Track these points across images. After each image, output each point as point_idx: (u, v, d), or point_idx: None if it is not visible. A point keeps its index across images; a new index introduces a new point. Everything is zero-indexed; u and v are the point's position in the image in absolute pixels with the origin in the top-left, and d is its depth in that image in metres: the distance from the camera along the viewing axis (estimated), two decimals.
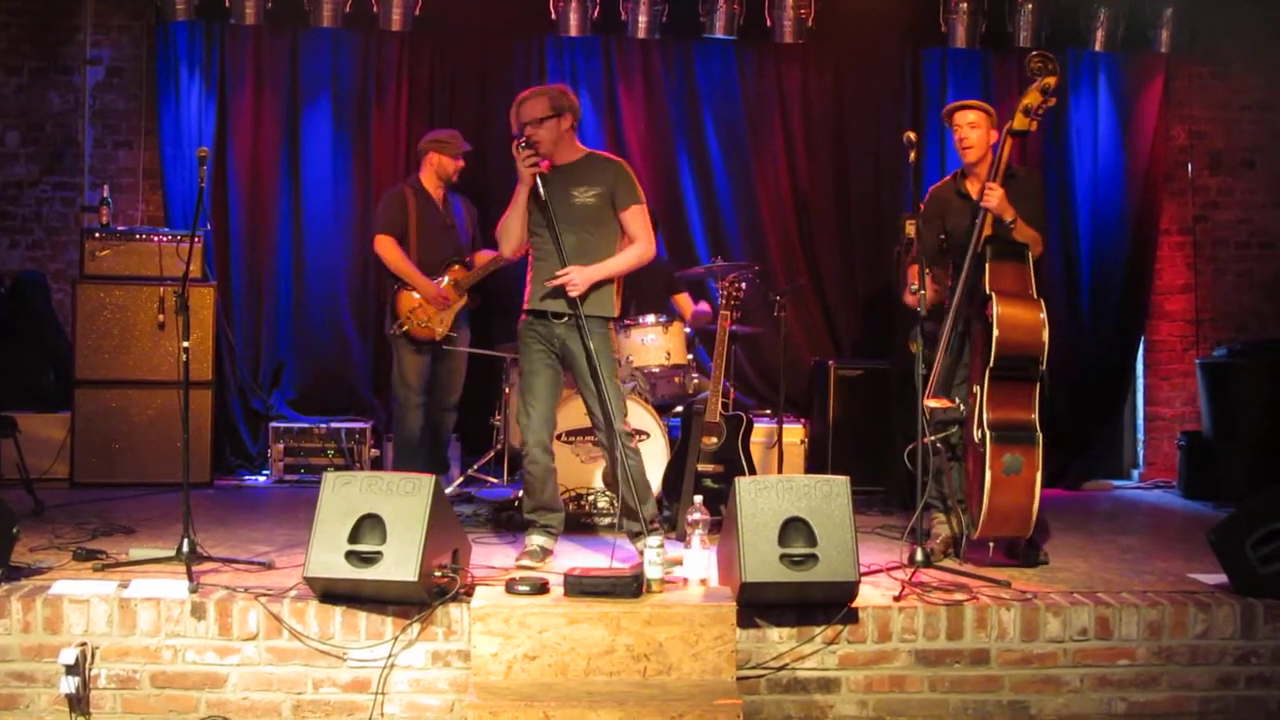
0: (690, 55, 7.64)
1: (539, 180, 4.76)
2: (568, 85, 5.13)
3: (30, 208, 7.55)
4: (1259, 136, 7.89)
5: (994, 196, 4.89)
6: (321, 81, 7.53)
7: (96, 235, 6.92)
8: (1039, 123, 4.96)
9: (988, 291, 4.83)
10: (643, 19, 7.34)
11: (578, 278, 4.75)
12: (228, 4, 7.23)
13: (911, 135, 4.93)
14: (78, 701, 4.02)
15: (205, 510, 5.93)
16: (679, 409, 6.22)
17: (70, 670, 3.97)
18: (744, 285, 5.99)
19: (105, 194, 7.16)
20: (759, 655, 4.16)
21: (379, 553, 3.99)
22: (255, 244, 7.52)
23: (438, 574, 4.10)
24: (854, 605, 4.18)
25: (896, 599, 4.28)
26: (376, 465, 7.04)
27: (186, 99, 7.44)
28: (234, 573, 4.53)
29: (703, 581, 4.31)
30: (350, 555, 4.01)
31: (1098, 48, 7.55)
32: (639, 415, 5.84)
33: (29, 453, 6.16)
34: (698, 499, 4.50)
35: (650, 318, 6.24)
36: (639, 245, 4.92)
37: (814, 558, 4.06)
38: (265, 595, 4.17)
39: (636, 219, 4.91)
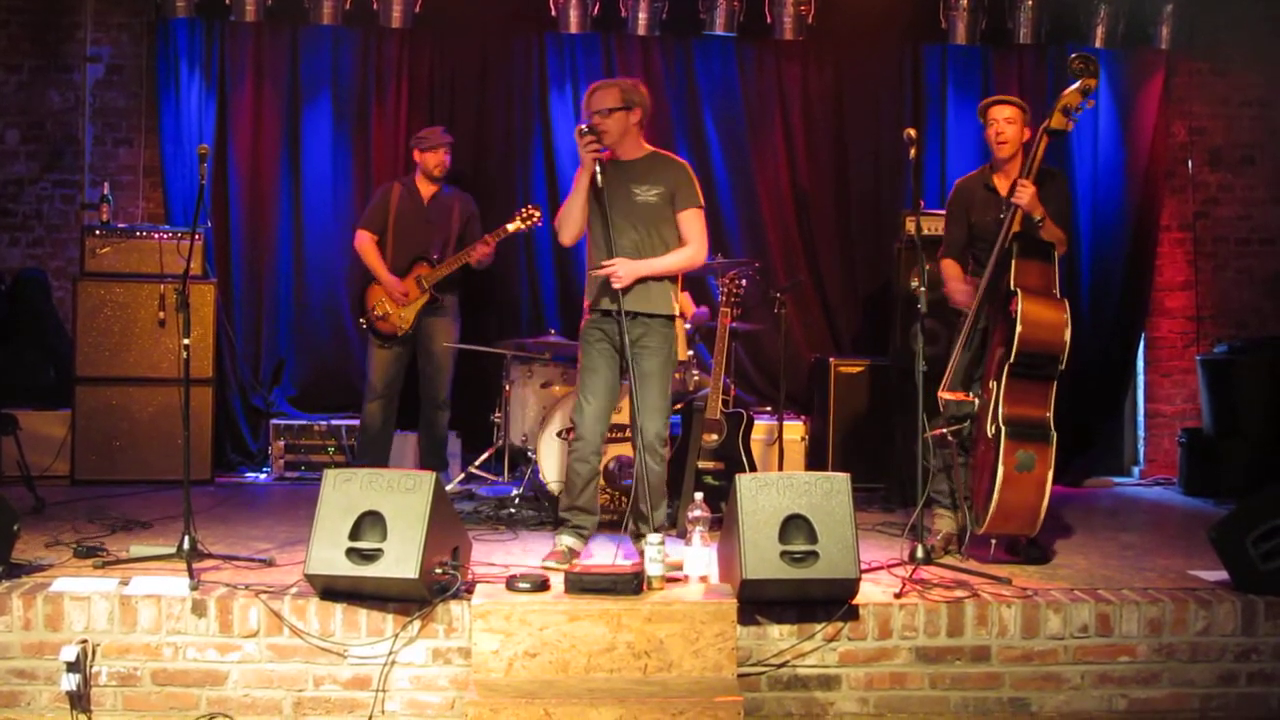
0: (690, 52, 7.63)
1: (598, 169, 4.72)
2: (640, 80, 5.04)
3: (31, 205, 7.56)
4: (1259, 133, 7.89)
5: (1025, 194, 4.87)
6: (322, 79, 7.53)
7: (97, 233, 6.92)
8: (1074, 124, 4.96)
9: (1013, 287, 4.83)
10: (643, 16, 7.34)
11: (622, 270, 4.71)
12: (228, 1, 7.23)
13: (911, 132, 4.94)
14: (78, 699, 4.02)
15: (206, 507, 5.93)
16: (679, 406, 6.22)
17: (71, 667, 3.97)
18: (744, 282, 5.99)
19: (106, 191, 7.16)
20: (760, 652, 4.16)
21: (380, 550, 4.00)
22: (255, 241, 7.52)
23: (438, 571, 4.10)
24: (854, 602, 4.19)
25: (897, 596, 4.28)
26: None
27: (186, 96, 7.44)
28: (235, 570, 4.54)
29: (703, 579, 4.31)
30: (351, 552, 4.01)
31: (1098, 44, 7.53)
32: None
33: (30, 450, 6.16)
34: (698, 496, 4.50)
35: None
36: (691, 248, 4.86)
37: (814, 555, 4.06)
38: (266, 592, 4.17)
39: (693, 222, 4.87)
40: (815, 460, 6.82)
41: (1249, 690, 4.27)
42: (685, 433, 5.84)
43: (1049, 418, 4.84)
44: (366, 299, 6.44)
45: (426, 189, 6.49)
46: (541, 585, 4.18)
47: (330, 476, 4.17)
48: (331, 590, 4.12)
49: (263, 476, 7.27)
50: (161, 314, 6.82)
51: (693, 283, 7.12)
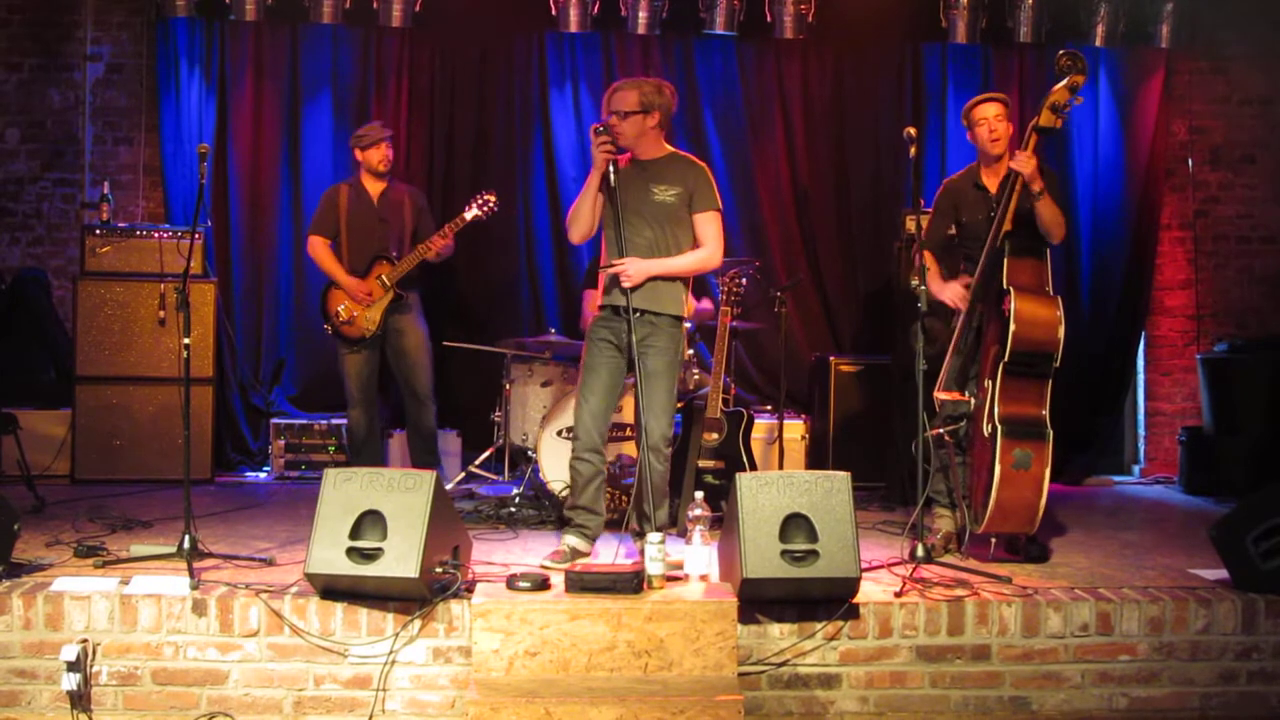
0: (690, 51, 7.63)
1: (611, 168, 4.71)
2: (666, 81, 5.00)
3: (31, 204, 7.56)
4: (1259, 131, 7.88)
5: (1029, 164, 4.83)
6: (321, 78, 7.53)
7: (97, 232, 6.93)
8: (1062, 121, 4.95)
9: (1006, 286, 4.82)
10: (643, 15, 7.34)
11: (632, 269, 4.70)
12: (227, 0, 7.23)
13: (912, 130, 4.93)
14: (79, 698, 4.02)
15: (206, 507, 5.94)
16: (680, 405, 6.21)
17: (71, 667, 3.97)
18: (744, 281, 5.99)
19: (106, 190, 7.16)
20: (760, 651, 4.16)
21: (380, 549, 3.99)
22: (256, 240, 7.53)
23: (439, 570, 4.10)
24: (855, 601, 4.19)
25: (897, 595, 4.28)
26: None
27: (186, 95, 7.45)
28: (235, 569, 4.54)
29: (704, 578, 4.31)
30: (351, 552, 4.01)
31: (1098, 43, 7.53)
32: None
33: (30, 449, 6.16)
34: (699, 495, 4.50)
35: None
36: (705, 250, 4.86)
37: (815, 554, 4.06)
38: (266, 592, 4.17)
39: (709, 224, 4.86)
40: (815, 459, 6.82)
41: (1249, 689, 4.27)
42: (686, 431, 5.84)
43: (1045, 416, 4.84)
44: (328, 304, 6.32)
45: (374, 186, 6.39)
46: (542, 584, 4.18)
47: (330, 476, 4.17)
48: (332, 589, 4.12)
49: (263, 476, 7.28)
50: (161, 313, 6.82)
51: (694, 281, 7.11)
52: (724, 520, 4.65)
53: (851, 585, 4.13)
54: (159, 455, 6.77)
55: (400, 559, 3.96)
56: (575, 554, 4.73)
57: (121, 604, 4.09)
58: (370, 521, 4.05)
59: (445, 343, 6.86)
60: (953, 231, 5.29)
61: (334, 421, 7.12)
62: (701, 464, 5.72)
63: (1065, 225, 5.05)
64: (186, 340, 4.74)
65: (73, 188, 7.54)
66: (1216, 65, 7.86)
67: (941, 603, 4.23)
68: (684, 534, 4.59)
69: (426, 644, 4.11)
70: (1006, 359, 4.78)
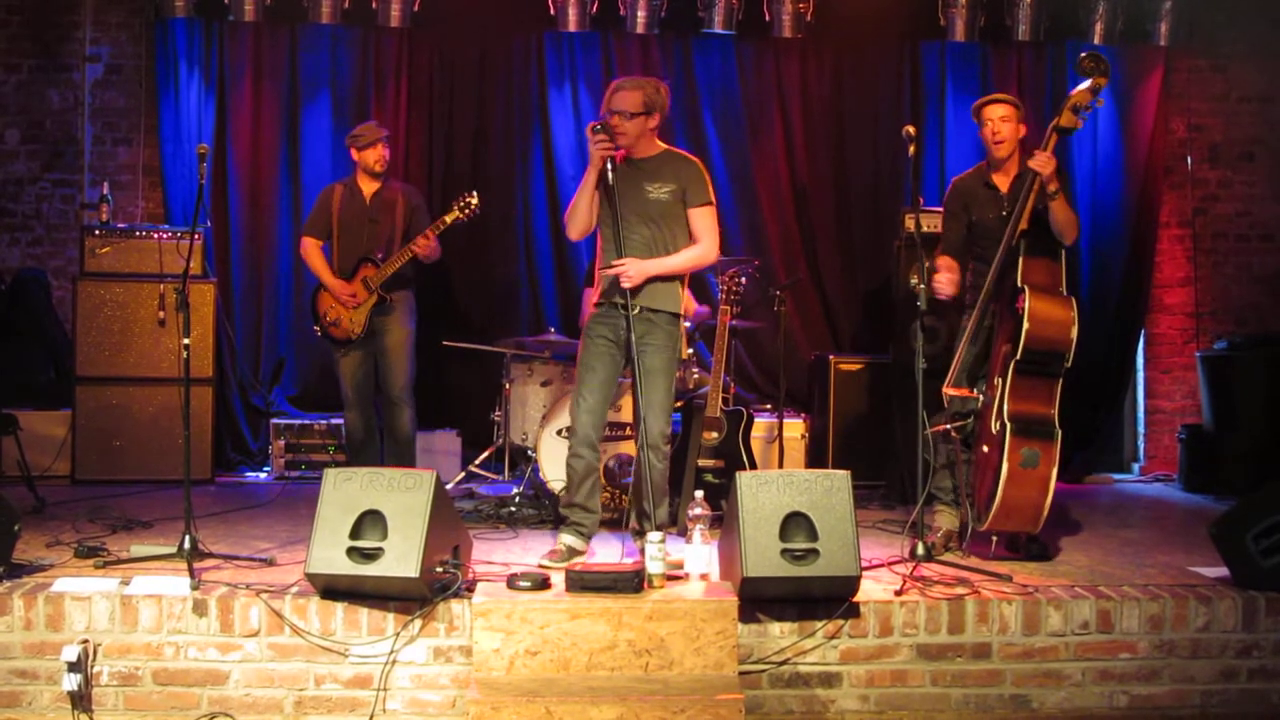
0: (689, 50, 7.63)
1: (608, 166, 4.71)
2: (663, 80, 5.03)
3: (30, 205, 7.56)
4: (1258, 129, 7.89)
5: (1048, 164, 4.84)
6: (321, 78, 7.53)
7: (96, 232, 6.93)
8: (1083, 122, 4.95)
9: (1020, 284, 4.83)
10: (641, 14, 7.34)
11: (632, 269, 4.70)
12: (226, 1, 7.23)
13: (910, 129, 4.94)
14: (80, 699, 4.02)
15: (206, 507, 5.94)
16: (679, 404, 6.22)
17: (72, 667, 3.97)
18: (744, 280, 5.99)
19: (105, 191, 7.16)
20: (760, 650, 4.16)
21: (380, 549, 4.00)
22: (255, 240, 7.53)
23: (439, 570, 4.10)
24: (855, 600, 4.19)
25: (898, 593, 4.28)
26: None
27: (186, 96, 7.45)
28: (235, 569, 4.54)
29: (704, 576, 4.31)
30: (351, 551, 4.01)
31: (1096, 41, 7.53)
32: None
33: (30, 450, 6.16)
34: (699, 494, 4.50)
35: None
36: (701, 246, 4.86)
37: (815, 552, 4.06)
38: (267, 592, 4.17)
39: (704, 219, 4.86)
40: (815, 458, 6.82)
41: (1250, 686, 4.27)
42: (685, 430, 5.84)
43: (1054, 415, 4.84)
44: (318, 306, 6.31)
45: (369, 186, 6.34)
46: (542, 584, 4.19)
47: (330, 476, 4.17)
48: (332, 589, 4.12)
49: (263, 476, 7.28)
50: (161, 313, 6.82)
51: (693, 280, 7.08)
52: (724, 519, 4.65)
53: (852, 584, 4.13)
54: (159, 455, 6.77)
55: (401, 558, 3.97)
56: (572, 552, 4.73)
57: (122, 604, 4.09)
58: (370, 521, 4.05)
59: (445, 342, 6.86)
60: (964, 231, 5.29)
61: (334, 421, 7.12)
62: (701, 463, 5.72)
63: (1078, 227, 5.05)
64: (186, 340, 4.74)
65: (72, 188, 7.54)
66: (1215, 63, 7.86)
67: (942, 601, 4.23)
68: (684, 533, 4.59)
69: (427, 643, 4.11)
70: (1018, 357, 4.77)
